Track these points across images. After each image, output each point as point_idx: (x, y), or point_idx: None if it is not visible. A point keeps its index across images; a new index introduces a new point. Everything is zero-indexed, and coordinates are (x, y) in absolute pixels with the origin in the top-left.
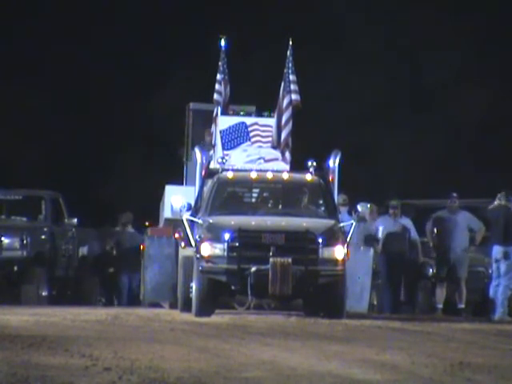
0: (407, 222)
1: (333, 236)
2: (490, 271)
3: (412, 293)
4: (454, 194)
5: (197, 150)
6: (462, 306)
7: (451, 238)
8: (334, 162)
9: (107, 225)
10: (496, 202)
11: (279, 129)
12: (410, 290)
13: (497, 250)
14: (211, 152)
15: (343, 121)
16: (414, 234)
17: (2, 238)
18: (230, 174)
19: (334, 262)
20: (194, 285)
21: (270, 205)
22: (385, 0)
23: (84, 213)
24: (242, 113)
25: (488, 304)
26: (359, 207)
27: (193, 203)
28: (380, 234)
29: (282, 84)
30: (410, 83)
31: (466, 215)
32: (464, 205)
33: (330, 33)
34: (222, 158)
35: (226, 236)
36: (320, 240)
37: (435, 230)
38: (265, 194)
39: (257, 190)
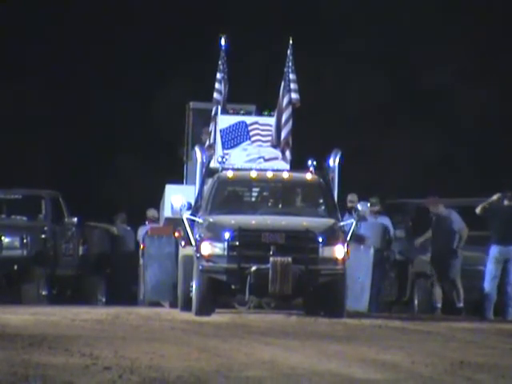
0: (386, 220)
1: (333, 235)
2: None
3: (408, 292)
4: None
5: (197, 149)
6: (461, 305)
7: (435, 238)
8: (334, 161)
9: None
10: (492, 199)
11: (279, 128)
12: (403, 288)
13: (505, 250)
14: (210, 151)
15: (343, 120)
16: (392, 232)
17: (2, 238)
18: (230, 173)
19: (334, 261)
20: (194, 284)
21: (270, 204)
22: (385, 0)
23: (84, 212)
24: (241, 112)
25: (485, 303)
26: (359, 206)
27: (193, 202)
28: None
29: (282, 83)
30: (410, 83)
31: (451, 214)
32: (463, 204)
33: (330, 32)
34: (222, 157)
35: (226, 235)
36: (320, 239)
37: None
38: (265, 193)
39: (257, 189)
